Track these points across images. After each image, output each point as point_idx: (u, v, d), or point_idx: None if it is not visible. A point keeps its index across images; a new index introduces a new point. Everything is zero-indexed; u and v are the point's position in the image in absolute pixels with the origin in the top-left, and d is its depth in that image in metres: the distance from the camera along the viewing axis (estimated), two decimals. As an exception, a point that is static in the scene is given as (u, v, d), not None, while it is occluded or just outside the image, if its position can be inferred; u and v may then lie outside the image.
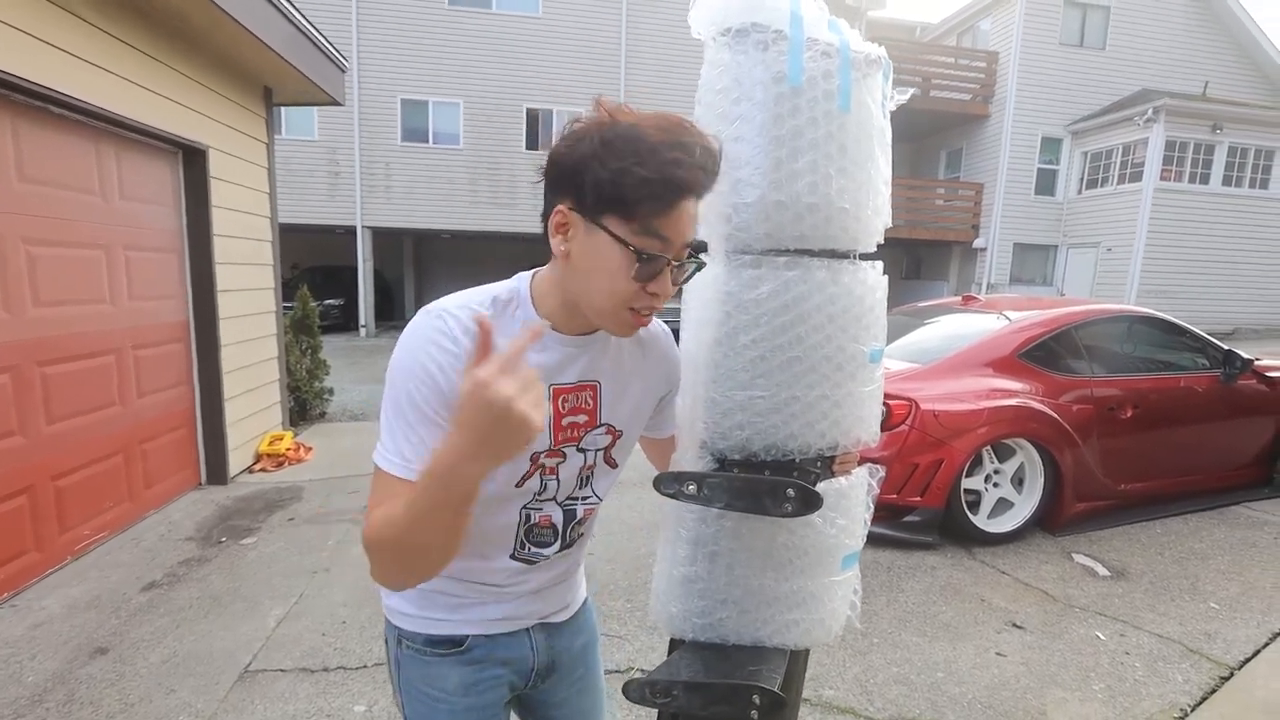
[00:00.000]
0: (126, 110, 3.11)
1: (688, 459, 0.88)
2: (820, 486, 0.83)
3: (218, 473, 3.99)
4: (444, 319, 0.77)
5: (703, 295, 0.86)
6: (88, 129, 3.03)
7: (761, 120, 0.77)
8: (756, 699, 0.73)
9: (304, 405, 5.48)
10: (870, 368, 0.85)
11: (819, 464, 0.85)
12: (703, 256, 0.83)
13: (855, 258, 0.85)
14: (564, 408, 0.85)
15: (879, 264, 0.87)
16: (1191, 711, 2.10)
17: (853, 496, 0.88)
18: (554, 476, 0.87)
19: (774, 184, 0.77)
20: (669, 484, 0.79)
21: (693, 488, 0.78)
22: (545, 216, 0.78)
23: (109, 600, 2.64)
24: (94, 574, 2.85)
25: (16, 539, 2.69)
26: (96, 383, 3.13)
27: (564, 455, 0.86)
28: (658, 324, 0.99)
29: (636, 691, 0.76)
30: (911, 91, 0.91)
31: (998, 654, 2.40)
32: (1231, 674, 2.30)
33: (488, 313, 0.79)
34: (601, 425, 0.89)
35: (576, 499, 0.92)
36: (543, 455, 0.85)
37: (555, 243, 0.77)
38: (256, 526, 3.40)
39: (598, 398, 0.88)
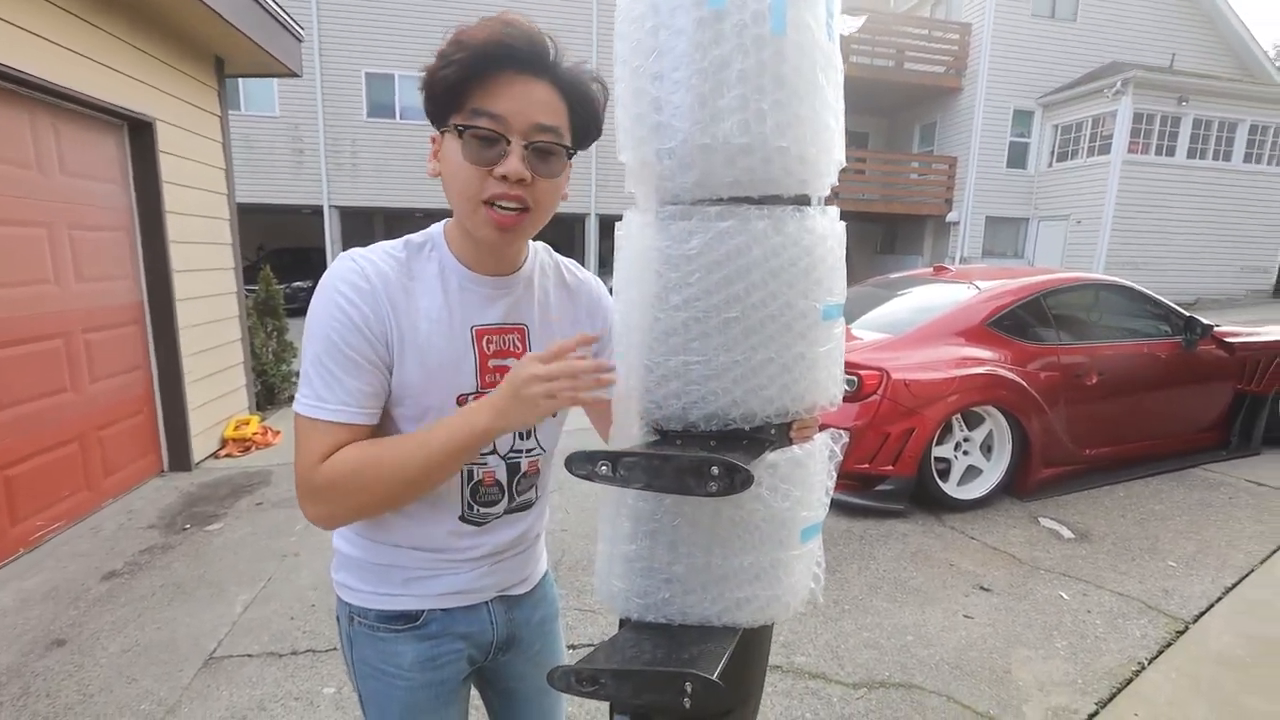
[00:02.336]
0: (62, 78, 2.93)
1: (629, 432, 0.82)
2: (774, 456, 0.77)
3: (181, 459, 3.88)
4: (356, 260, 0.79)
5: (632, 252, 0.78)
6: (20, 99, 2.85)
7: (682, 51, 0.68)
8: (689, 686, 0.67)
9: (271, 389, 5.34)
10: (824, 326, 0.77)
11: (773, 432, 0.79)
12: (631, 212, 0.78)
13: (814, 203, 0.77)
14: (489, 349, 0.85)
15: (833, 210, 0.78)
16: (1149, 664, 2.17)
17: (810, 466, 0.81)
18: None
19: (699, 125, 0.68)
20: (580, 464, 0.70)
21: (606, 468, 0.69)
22: None
23: (66, 591, 2.56)
24: (50, 565, 2.76)
25: (-36, 531, 2.59)
26: (44, 368, 3.00)
27: None
28: (588, 274, 0.99)
29: (562, 680, 0.70)
30: (864, 18, 0.80)
31: (965, 616, 2.45)
32: (1186, 628, 2.38)
33: (401, 255, 0.81)
34: None
35: (520, 451, 0.90)
36: (470, 398, 0.84)
37: (430, 169, 0.80)
38: (222, 512, 3.32)
39: (526, 341, 0.88)
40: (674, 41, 0.68)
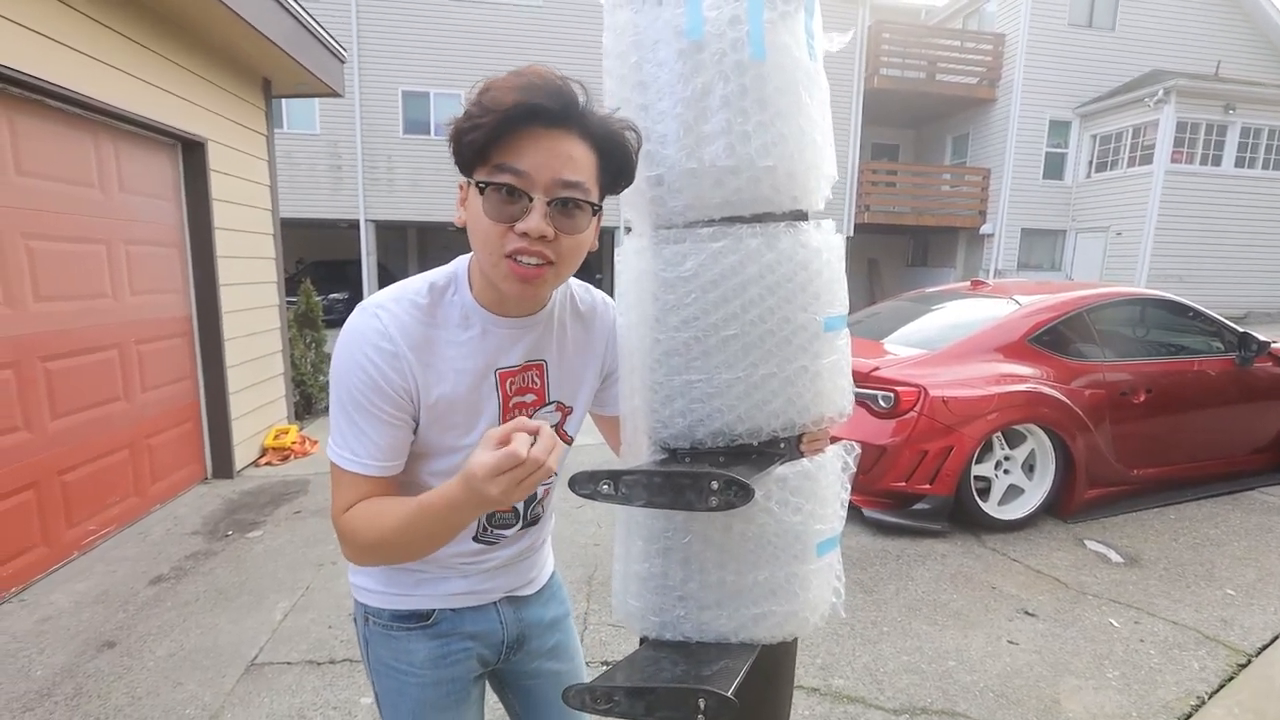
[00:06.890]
0: (123, 102, 3.08)
1: (638, 451, 0.82)
2: (784, 469, 0.77)
3: (224, 467, 3.99)
4: (379, 317, 0.78)
5: (629, 276, 0.79)
6: (85, 122, 3.01)
7: (665, 82, 0.70)
8: (702, 703, 0.67)
9: (309, 399, 5.47)
10: (826, 338, 0.77)
11: (783, 446, 0.79)
12: (629, 237, 0.79)
13: (810, 218, 0.77)
14: (510, 389, 0.86)
15: (827, 223, 0.77)
16: (1209, 699, 2.07)
17: (821, 479, 0.81)
18: None
19: (685, 151, 0.70)
20: (584, 484, 0.70)
21: (608, 487, 0.70)
22: None
23: (116, 594, 2.64)
24: (101, 568, 2.86)
25: (24, 534, 2.70)
26: (100, 378, 3.12)
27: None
28: (600, 296, 0.99)
29: (576, 698, 0.71)
30: (851, 33, 0.82)
31: (1010, 642, 2.37)
32: (1249, 661, 2.26)
33: (424, 301, 0.81)
34: (551, 403, 0.91)
35: None
36: None
37: (458, 218, 0.80)
38: (262, 520, 3.40)
39: (544, 376, 0.90)
40: (657, 73, 0.71)
